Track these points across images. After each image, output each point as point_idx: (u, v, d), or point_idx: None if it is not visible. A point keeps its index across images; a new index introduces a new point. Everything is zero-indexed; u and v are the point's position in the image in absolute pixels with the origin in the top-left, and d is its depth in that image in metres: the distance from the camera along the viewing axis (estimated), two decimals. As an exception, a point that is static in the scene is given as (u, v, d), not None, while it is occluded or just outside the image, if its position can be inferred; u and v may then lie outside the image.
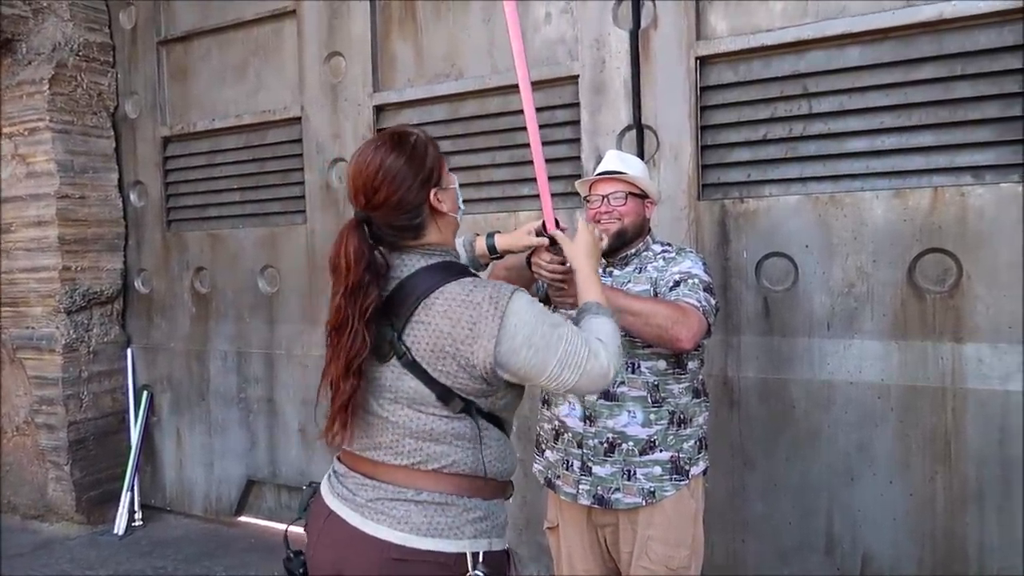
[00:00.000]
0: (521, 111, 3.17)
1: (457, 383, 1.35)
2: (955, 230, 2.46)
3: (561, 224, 1.77)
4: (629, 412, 2.01)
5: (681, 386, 2.03)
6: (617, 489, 2.01)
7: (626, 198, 2.09)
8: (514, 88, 3.20)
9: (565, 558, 2.18)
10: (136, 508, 4.23)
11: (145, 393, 4.38)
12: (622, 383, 2.02)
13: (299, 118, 3.78)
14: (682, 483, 2.01)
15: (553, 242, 1.73)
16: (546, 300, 1.99)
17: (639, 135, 2.95)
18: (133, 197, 4.43)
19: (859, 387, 2.59)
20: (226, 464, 4.18)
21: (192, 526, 4.21)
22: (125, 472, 4.24)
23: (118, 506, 4.17)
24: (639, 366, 2.02)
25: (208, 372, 4.21)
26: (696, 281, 1.98)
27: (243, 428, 4.09)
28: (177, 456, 4.37)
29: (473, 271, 1.49)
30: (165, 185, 4.31)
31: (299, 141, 3.80)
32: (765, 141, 2.74)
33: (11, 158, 4.21)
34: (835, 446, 2.64)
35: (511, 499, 1.53)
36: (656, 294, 2.02)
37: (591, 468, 2.04)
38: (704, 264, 2.06)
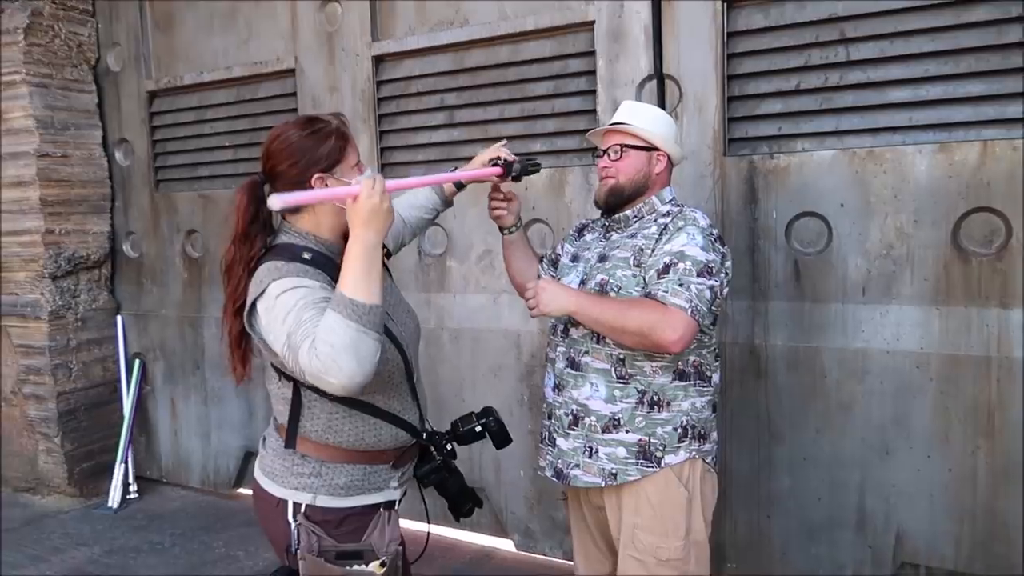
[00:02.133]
0: (532, 61, 2.97)
1: (266, 352, 1.50)
2: (1005, 187, 2.27)
3: (508, 157, 1.94)
4: (592, 384, 1.87)
5: (655, 364, 1.84)
6: (577, 465, 1.90)
7: (621, 152, 1.92)
8: (525, 36, 3.00)
9: (572, 532, 2.15)
10: (131, 480, 4.09)
11: (137, 362, 4.21)
12: (586, 352, 1.88)
13: (293, 70, 3.55)
14: (650, 470, 1.84)
15: (506, 172, 1.93)
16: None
17: (660, 85, 2.74)
18: (118, 156, 4.20)
19: (896, 356, 2.43)
20: (223, 435, 4.03)
21: (189, 498, 4.07)
22: (118, 444, 4.09)
23: (112, 479, 4.03)
24: (604, 336, 1.85)
25: (202, 340, 4.03)
26: (688, 265, 1.76)
27: (240, 398, 3.93)
28: (172, 427, 4.22)
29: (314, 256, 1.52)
30: (152, 143, 4.08)
31: (293, 95, 3.57)
32: (798, 91, 2.54)
33: (-12, 114, 3.97)
34: (869, 418, 2.49)
35: (399, 471, 1.65)
36: (640, 267, 1.83)
37: (555, 440, 1.95)
38: (707, 234, 1.82)
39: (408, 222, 2.03)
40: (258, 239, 1.54)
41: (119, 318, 4.25)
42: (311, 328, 1.35)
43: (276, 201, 1.31)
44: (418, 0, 3.22)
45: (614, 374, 1.85)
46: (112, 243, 4.24)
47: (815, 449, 2.57)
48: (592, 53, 2.86)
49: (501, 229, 2.13)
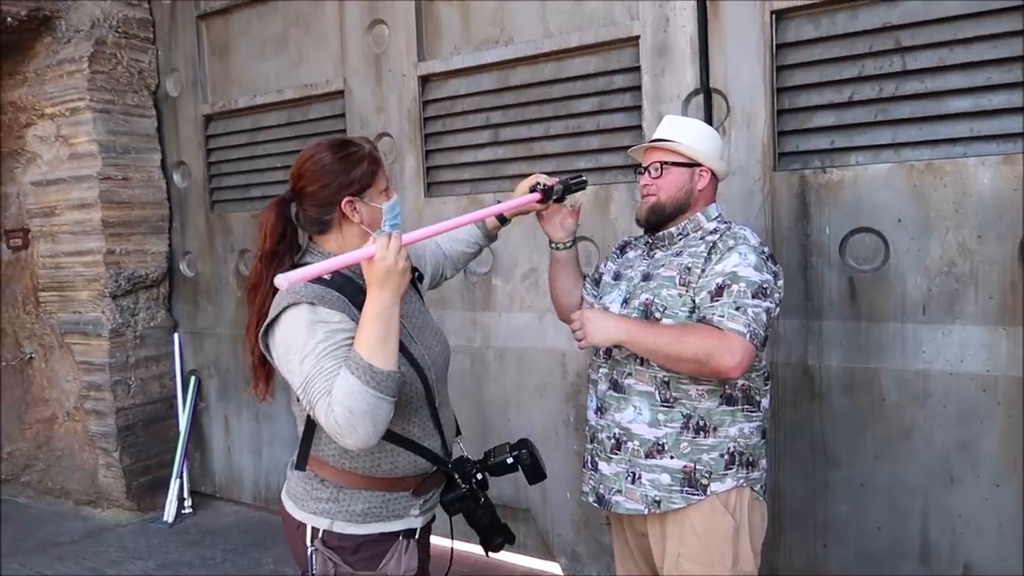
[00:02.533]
0: (577, 78, 2.95)
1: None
2: (1077, 200, 2.15)
3: (547, 182, 1.91)
4: (635, 408, 1.81)
5: (700, 388, 1.78)
6: (619, 491, 1.85)
7: (661, 169, 1.87)
8: (569, 52, 2.99)
9: (616, 558, 2.08)
10: (186, 495, 4.17)
11: (193, 378, 4.30)
12: (629, 375, 1.82)
13: (341, 91, 3.60)
14: (695, 497, 1.77)
15: (545, 197, 1.90)
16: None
17: (707, 100, 2.68)
18: (176, 178, 4.33)
19: (960, 378, 2.31)
20: (274, 451, 4.08)
21: (241, 514, 4.13)
22: (174, 459, 4.18)
23: (167, 493, 4.11)
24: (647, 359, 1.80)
25: (254, 357, 4.10)
26: (743, 287, 1.70)
27: (290, 415, 3.94)
28: (226, 443, 4.29)
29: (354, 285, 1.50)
30: (208, 165, 4.19)
31: (342, 116, 3.62)
32: (851, 103, 2.45)
33: (54, 139, 4.14)
34: (931, 444, 2.37)
35: (421, 499, 1.62)
36: (686, 287, 1.77)
37: (597, 464, 1.89)
38: (759, 252, 1.76)
39: (449, 255, 1.99)
40: (285, 258, 1.54)
41: (176, 336, 4.35)
42: (330, 381, 1.35)
43: (282, 282, 1.30)
44: (463, 19, 3.24)
45: (658, 397, 1.80)
46: (170, 263, 4.36)
47: (874, 475, 2.46)
48: (637, 68, 2.82)
49: (551, 243, 2.06)
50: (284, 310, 1.43)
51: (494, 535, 1.74)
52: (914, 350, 2.37)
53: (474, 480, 1.67)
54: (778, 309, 1.81)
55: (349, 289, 1.49)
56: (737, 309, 1.68)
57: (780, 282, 1.82)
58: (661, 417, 1.79)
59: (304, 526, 1.57)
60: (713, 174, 1.91)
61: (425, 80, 3.35)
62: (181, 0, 4.15)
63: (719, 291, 1.71)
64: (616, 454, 1.85)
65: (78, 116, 4.03)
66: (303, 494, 1.58)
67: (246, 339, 1.57)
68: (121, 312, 4.11)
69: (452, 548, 1.80)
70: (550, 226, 2.02)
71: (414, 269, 1.77)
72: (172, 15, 4.20)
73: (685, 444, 1.78)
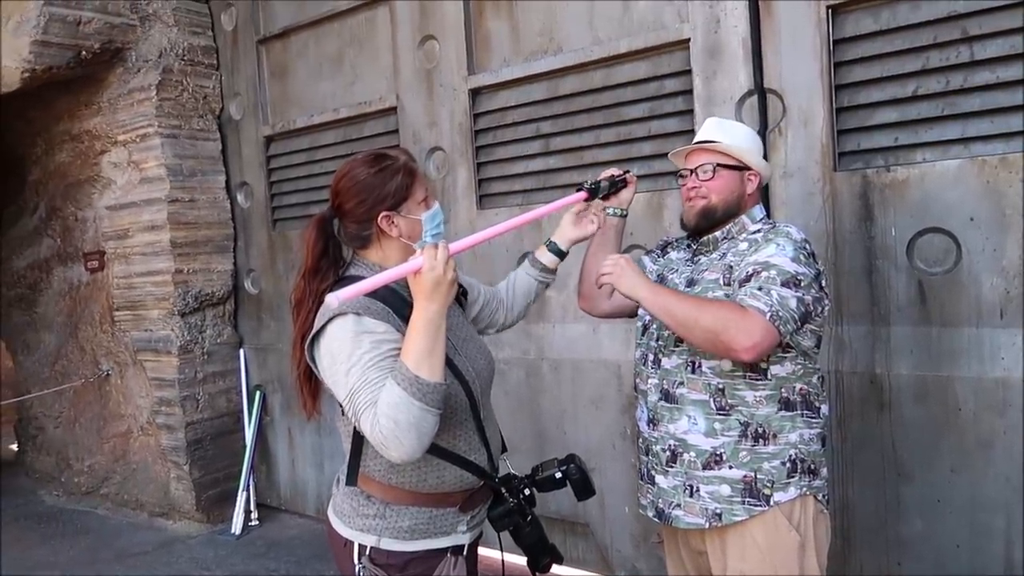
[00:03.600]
0: (627, 84, 2.90)
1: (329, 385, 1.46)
2: None
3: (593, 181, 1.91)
4: (690, 418, 1.75)
5: (758, 394, 1.70)
6: (678, 505, 1.77)
7: (714, 171, 1.80)
8: (619, 59, 2.94)
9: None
10: (252, 508, 4.26)
11: (258, 393, 4.40)
12: (681, 383, 1.76)
13: (395, 108, 3.64)
14: (758, 508, 1.69)
15: (592, 195, 1.88)
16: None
17: (762, 101, 2.60)
18: (240, 198, 4.45)
19: (1044, 386, 2.16)
20: (336, 464, 4.12)
21: (305, 527, 4.19)
22: (241, 472, 4.28)
23: (235, 505, 4.21)
24: (700, 365, 1.74)
25: (316, 371, 4.16)
26: (773, 274, 1.63)
27: (351, 428, 4.01)
28: (290, 456, 4.37)
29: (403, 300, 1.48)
30: (269, 185, 4.30)
31: (395, 132, 3.66)
32: (916, 98, 2.33)
33: (126, 165, 4.32)
34: (1012, 456, 2.21)
35: (468, 515, 1.59)
36: (729, 286, 1.72)
37: (654, 477, 1.83)
38: (798, 247, 1.68)
39: (505, 301, 1.92)
40: (329, 273, 1.54)
41: (242, 351, 4.47)
42: (375, 392, 1.34)
43: (332, 300, 1.27)
44: (512, 31, 3.24)
45: (713, 405, 1.73)
46: (235, 280, 4.48)
47: (951, 490, 2.31)
48: (688, 72, 2.76)
49: (605, 209, 1.97)
50: (329, 321, 1.42)
51: (541, 554, 1.70)
52: (991, 357, 2.23)
53: (522, 495, 1.64)
54: (825, 307, 1.73)
55: (393, 300, 1.48)
56: (760, 290, 1.63)
57: (823, 281, 1.74)
58: (717, 426, 1.73)
59: (351, 543, 1.55)
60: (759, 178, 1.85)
61: (475, 93, 3.36)
62: (243, 26, 4.29)
63: (748, 278, 1.67)
64: (672, 466, 1.79)
65: (148, 142, 4.19)
66: (350, 511, 1.57)
67: (292, 355, 1.57)
68: (189, 329, 4.24)
69: (503, 560, 1.76)
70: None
71: (460, 285, 1.76)
72: (234, 41, 4.34)
73: (744, 453, 1.71)
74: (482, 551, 1.75)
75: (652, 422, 1.84)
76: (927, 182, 2.31)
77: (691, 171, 1.86)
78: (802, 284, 1.65)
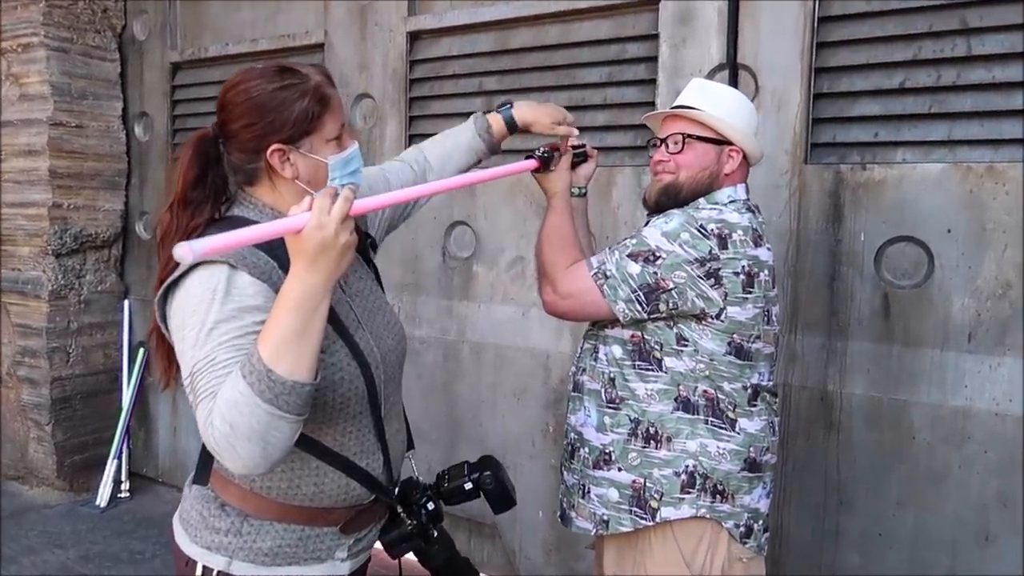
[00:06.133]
0: (585, 43, 2.58)
1: None
2: None
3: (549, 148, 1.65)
4: (585, 409, 1.59)
5: (649, 387, 1.48)
6: (572, 506, 1.62)
7: (683, 142, 1.53)
8: (578, 14, 2.62)
9: None
10: (123, 478, 3.80)
11: (141, 351, 3.92)
12: (584, 370, 1.60)
13: (321, 44, 3.22)
14: (643, 522, 1.48)
15: (544, 165, 1.63)
16: None
17: (733, 77, 2.33)
18: (138, 130, 3.93)
19: (1008, 420, 1.98)
20: (223, 437, 3.72)
21: (182, 502, 3.77)
22: (114, 437, 3.81)
23: (103, 474, 3.74)
24: (598, 350, 1.55)
25: (209, 332, 3.73)
26: (631, 242, 1.48)
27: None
28: (172, 423, 3.92)
29: None
30: (172, 118, 3.80)
31: (320, 72, 3.24)
32: (903, 90, 2.10)
33: (4, 78, 3.74)
34: (966, 493, 2.03)
35: (351, 537, 1.26)
36: None
37: (563, 473, 1.67)
38: (687, 225, 1.45)
39: (435, 173, 1.60)
40: (203, 207, 1.19)
41: (126, 302, 3.97)
42: (220, 379, 1.00)
43: (186, 252, 0.86)
44: (462, -29, 2.87)
45: (604, 396, 1.54)
46: (124, 222, 3.97)
47: (895, 523, 2.12)
48: (655, 37, 2.46)
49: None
50: (192, 270, 1.08)
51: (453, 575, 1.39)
52: (954, 383, 2.04)
53: (423, 512, 1.32)
54: (704, 303, 1.44)
55: (283, 253, 1.06)
56: (608, 250, 1.50)
57: (720, 272, 1.43)
58: (607, 420, 1.53)
59: (194, 563, 1.21)
60: (745, 156, 1.57)
61: (414, 37, 2.98)
62: (154, -67, 3.75)
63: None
64: (572, 463, 1.61)
65: (31, 53, 3.63)
66: (197, 520, 1.23)
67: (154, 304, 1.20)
68: (64, 272, 3.72)
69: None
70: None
71: (366, 235, 1.42)
72: (144, -50, 3.80)
73: (634, 455, 1.50)
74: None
75: (567, 412, 1.66)
76: (905, 185, 2.09)
77: (661, 141, 1.57)
78: (659, 261, 1.43)
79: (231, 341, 1.02)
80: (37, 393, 3.74)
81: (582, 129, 2.58)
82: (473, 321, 2.89)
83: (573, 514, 1.61)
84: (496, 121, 1.64)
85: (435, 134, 2.93)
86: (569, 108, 2.63)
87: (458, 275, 2.91)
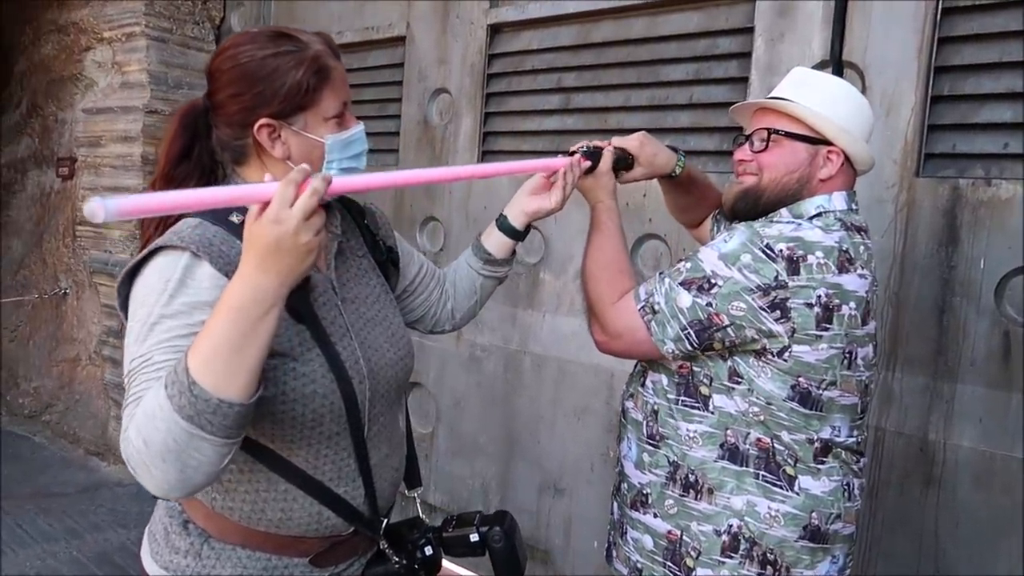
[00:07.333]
0: (672, 38, 2.37)
1: None
2: None
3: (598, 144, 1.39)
4: (628, 440, 1.40)
5: (692, 428, 1.25)
6: (614, 543, 1.44)
7: (768, 139, 1.29)
8: (665, 6, 2.41)
9: None
10: (193, 462, 3.85)
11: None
12: (631, 396, 1.41)
13: (403, 37, 3.14)
14: None
15: (594, 164, 1.36)
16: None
17: (837, 75, 2.05)
18: (229, 121, 3.99)
19: None
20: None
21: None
22: (187, 421, 3.86)
23: (174, 457, 3.80)
24: (647, 375, 1.36)
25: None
26: (685, 266, 1.25)
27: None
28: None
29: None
30: (260, 110, 3.82)
31: (400, 65, 3.16)
32: (1041, 94, 1.79)
33: (109, 66, 3.88)
34: (1096, 577, 1.70)
35: (326, 571, 1.10)
36: None
37: (612, 503, 1.48)
38: (751, 244, 1.19)
39: (453, 299, 1.41)
40: (188, 186, 1.05)
41: (209, 290, 4.03)
42: (151, 383, 0.86)
43: (97, 209, 0.70)
44: (547, -39, 2.71)
45: (644, 431, 1.34)
46: (211, 211, 4.03)
47: (1003, 602, 1.80)
48: (749, 30, 2.23)
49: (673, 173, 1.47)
50: (154, 254, 0.96)
51: None
52: (1088, 444, 1.70)
53: (418, 555, 1.15)
54: (770, 339, 1.19)
55: None
56: (659, 276, 1.28)
57: (791, 300, 1.17)
58: (647, 458, 1.33)
59: None
60: (848, 160, 1.32)
61: (495, 30, 2.84)
62: (254, -74, 3.79)
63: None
64: (618, 495, 1.43)
65: (133, 42, 3.74)
66: (162, 536, 1.10)
67: None
68: (151, 257, 3.81)
69: None
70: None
71: (388, 248, 1.27)
72: (244, -57, 3.85)
73: (671, 502, 1.29)
74: None
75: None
76: (1037, 206, 1.77)
77: (746, 137, 1.35)
78: (714, 290, 1.19)
79: (171, 341, 0.89)
80: (118, 373, 3.83)
81: (663, 131, 2.39)
82: (536, 331, 2.72)
83: (614, 552, 1.44)
84: (493, 240, 1.36)
85: (509, 132, 2.85)
86: (649, 108, 2.47)
87: (524, 282, 2.75)
